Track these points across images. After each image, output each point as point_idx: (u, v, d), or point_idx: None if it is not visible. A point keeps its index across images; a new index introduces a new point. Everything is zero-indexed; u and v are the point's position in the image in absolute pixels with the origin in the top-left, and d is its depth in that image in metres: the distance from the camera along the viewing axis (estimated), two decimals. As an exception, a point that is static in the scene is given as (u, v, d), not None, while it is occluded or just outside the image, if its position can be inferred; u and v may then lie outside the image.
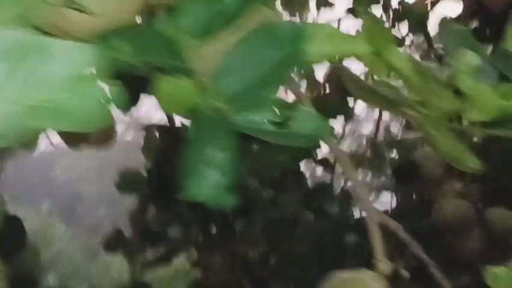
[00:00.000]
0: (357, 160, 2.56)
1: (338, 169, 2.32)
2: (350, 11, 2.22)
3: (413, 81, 0.84)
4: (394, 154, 2.67)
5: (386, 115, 2.60)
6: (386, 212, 2.12)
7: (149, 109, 2.42)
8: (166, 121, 2.13)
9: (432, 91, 0.83)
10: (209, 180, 0.61)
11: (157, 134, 2.16)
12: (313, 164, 2.58)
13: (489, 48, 0.90)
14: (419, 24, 2.21)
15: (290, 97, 0.94)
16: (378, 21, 0.90)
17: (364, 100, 1.03)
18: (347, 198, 2.21)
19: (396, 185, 2.33)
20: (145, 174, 2.20)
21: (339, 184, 2.43)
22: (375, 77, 0.92)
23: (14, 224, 1.73)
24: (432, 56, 2.10)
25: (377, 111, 2.55)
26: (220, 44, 0.68)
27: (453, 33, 0.90)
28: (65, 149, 1.64)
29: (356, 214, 2.22)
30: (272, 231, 2.14)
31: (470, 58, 0.81)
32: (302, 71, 2.24)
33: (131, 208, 2.27)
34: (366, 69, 0.98)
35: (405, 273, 1.90)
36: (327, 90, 2.36)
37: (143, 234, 2.24)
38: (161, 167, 2.12)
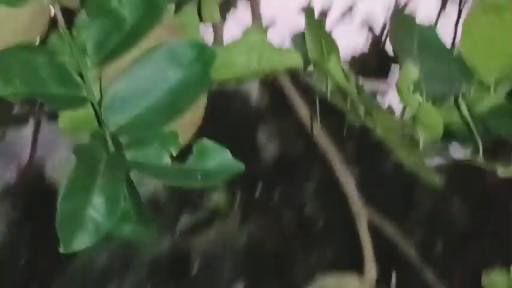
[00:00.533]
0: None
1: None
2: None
3: (352, 96, 0.76)
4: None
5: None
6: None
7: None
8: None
9: (372, 109, 0.76)
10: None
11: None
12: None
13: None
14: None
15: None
16: (321, 24, 0.81)
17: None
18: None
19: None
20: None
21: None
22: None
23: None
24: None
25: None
26: (122, 67, 0.61)
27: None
28: None
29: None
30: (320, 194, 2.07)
31: (410, 72, 0.72)
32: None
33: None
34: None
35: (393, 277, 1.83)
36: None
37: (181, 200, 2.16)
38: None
